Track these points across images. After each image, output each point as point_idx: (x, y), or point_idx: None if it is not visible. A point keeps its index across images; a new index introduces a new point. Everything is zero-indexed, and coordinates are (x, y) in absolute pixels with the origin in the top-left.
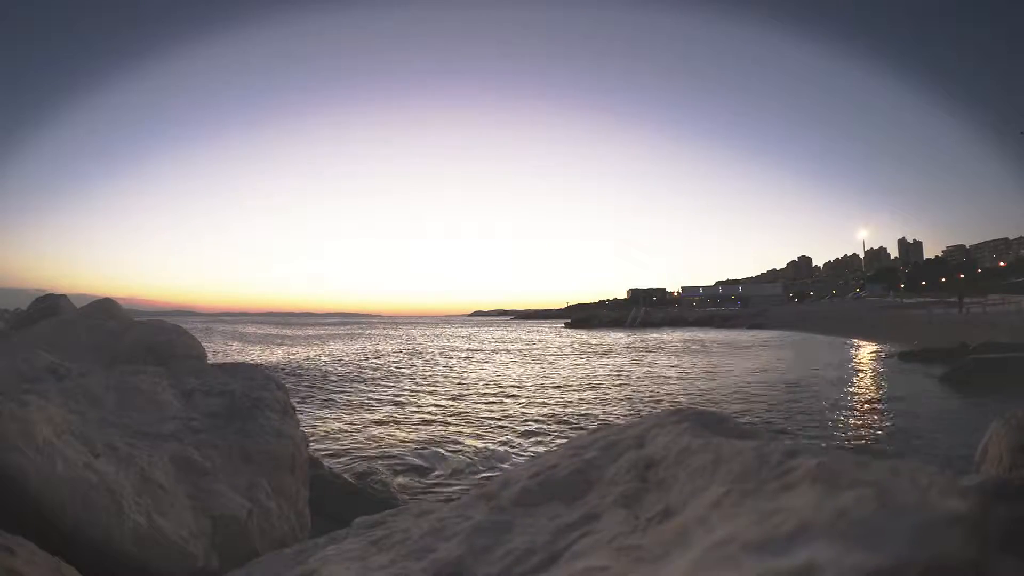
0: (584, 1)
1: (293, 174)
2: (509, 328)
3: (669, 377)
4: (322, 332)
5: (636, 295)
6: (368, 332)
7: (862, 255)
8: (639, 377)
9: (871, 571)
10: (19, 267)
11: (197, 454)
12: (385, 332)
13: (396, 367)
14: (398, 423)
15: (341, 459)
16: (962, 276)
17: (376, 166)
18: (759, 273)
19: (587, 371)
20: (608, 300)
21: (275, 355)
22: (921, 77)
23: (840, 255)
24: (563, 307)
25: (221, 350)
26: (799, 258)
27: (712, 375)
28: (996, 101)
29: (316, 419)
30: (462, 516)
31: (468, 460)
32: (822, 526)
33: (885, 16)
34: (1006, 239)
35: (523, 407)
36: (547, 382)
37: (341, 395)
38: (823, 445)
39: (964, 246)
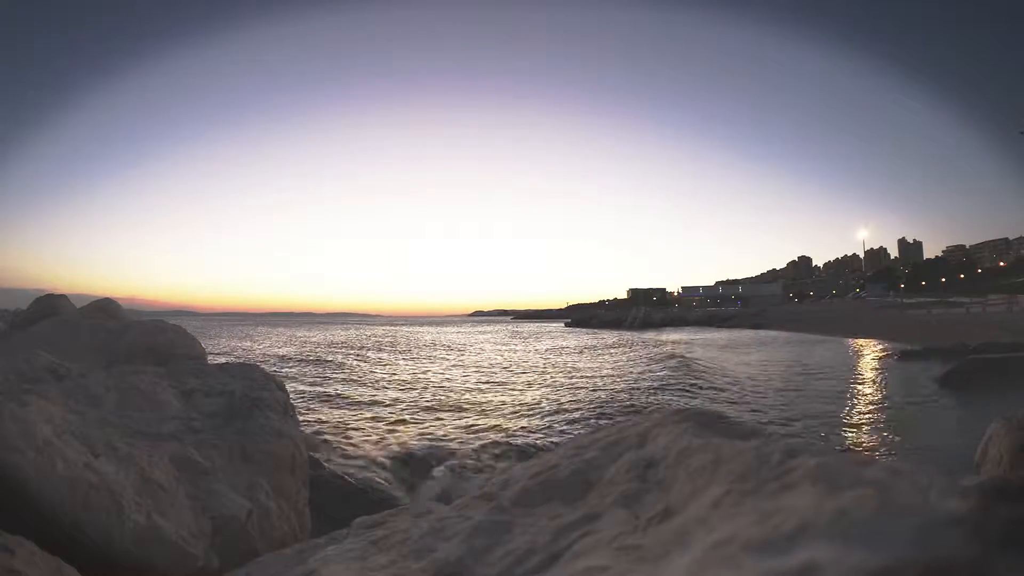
0: (586, 1)
1: (293, 174)
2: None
3: (669, 376)
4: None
5: (636, 295)
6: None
7: (862, 255)
8: (638, 376)
9: (872, 571)
10: (19, 267)
11: (197, 454)
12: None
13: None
14: (404, 421)
15: (341, 459)
16: (962, 276)
17: (376, 166)
18: (759, 273)
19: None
20: (608, 300)
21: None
22: (921, 77)
23: (840, 255)
24: (563, 307)
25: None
26: (799, 258)
27: (711, 375)
28: (996, 101)
29: (317, 417)
30: (462, 516)
31: (471, 458)
32: (822, 526)
33: (885, 16)
34: (1006, 239)
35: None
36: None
37: (342, 393)
38: (824, 444)
39: (964, 246)
